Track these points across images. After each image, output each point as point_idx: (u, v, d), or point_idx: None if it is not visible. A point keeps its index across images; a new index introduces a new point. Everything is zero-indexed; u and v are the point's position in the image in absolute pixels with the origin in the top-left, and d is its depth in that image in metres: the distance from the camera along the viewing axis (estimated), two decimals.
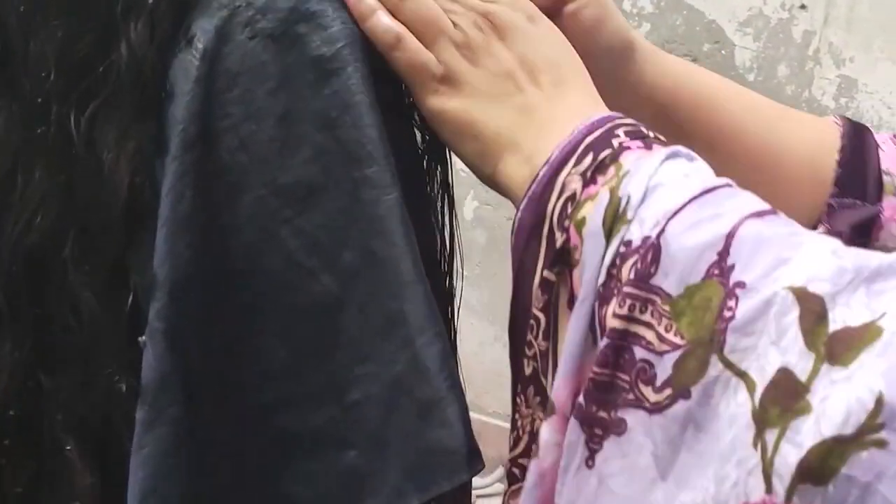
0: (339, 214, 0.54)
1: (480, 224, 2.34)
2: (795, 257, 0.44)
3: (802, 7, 1.97)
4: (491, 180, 0.60)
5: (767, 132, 0.68)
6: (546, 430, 0.52)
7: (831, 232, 0.65)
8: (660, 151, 0.52)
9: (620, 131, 0.54)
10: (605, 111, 0.57)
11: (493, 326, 2.35)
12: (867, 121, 1.97)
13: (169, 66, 0.53)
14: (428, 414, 0.54)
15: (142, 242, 0.54)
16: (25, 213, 0.54)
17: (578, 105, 0.57)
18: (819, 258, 0.44)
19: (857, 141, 0.68)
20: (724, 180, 0.51)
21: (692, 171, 0.51)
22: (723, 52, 2.04)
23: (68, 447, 0.55)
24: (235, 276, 0.54)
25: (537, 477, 0.52)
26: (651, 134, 0.54)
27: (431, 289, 0.56)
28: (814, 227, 0.66)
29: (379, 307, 0.54)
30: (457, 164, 2.05)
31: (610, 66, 0.65)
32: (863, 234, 0.66)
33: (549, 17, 0.61)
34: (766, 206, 0.49)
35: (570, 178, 0.53)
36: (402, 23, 0.57)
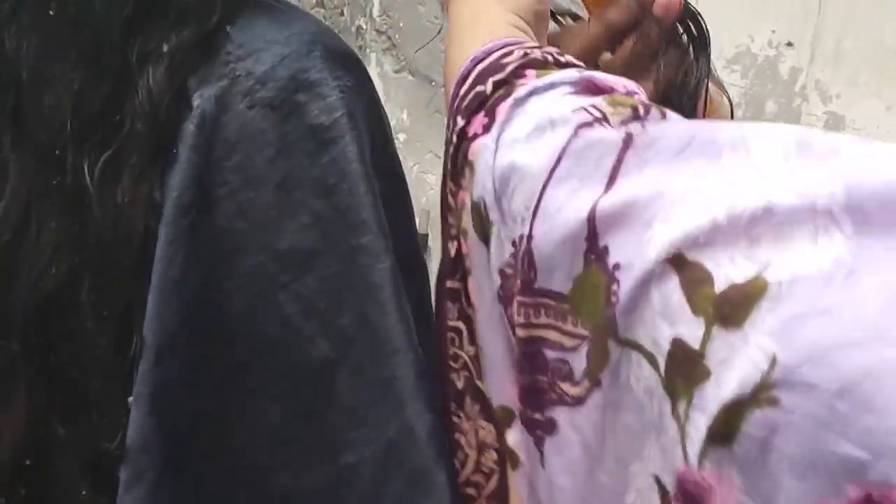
0: (336, 280, 0.55)
1: None
2: (660, 216, 0.43)
3: (789, 44, 2.00)
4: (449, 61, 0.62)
5: None
6: (514, 435, 0.52)
7: None
8: (496, 124, 0.53)
9: (489, 83, 0.54)
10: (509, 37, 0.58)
11: None
12: None
13: (175, 135, 0.54)
14: (418, 482, 0.55)
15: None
16: (40, 262, 0.54)
17: (497, 22, 0.59)
18: (686, 212, 0.43)
19: None
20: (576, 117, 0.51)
21: (532, 129, 0.51)
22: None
23: (84, 492, 0.55)
24: (229, 339, 0.55)
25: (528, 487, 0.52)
26: (550, 58, 0.55)
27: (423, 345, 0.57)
28: None
29: (372, 373, 0.55)
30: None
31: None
32: None
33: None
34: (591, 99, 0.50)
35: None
36: None
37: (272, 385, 0.55)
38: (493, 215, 0.50)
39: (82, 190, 0.54)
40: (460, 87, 0.55)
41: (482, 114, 0.53)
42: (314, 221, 0.55)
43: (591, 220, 0.46)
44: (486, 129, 0.52)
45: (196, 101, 0.54)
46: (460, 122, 0.54)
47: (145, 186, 0.54)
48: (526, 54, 0.54)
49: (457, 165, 0.54)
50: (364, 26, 2.35)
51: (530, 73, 0.53)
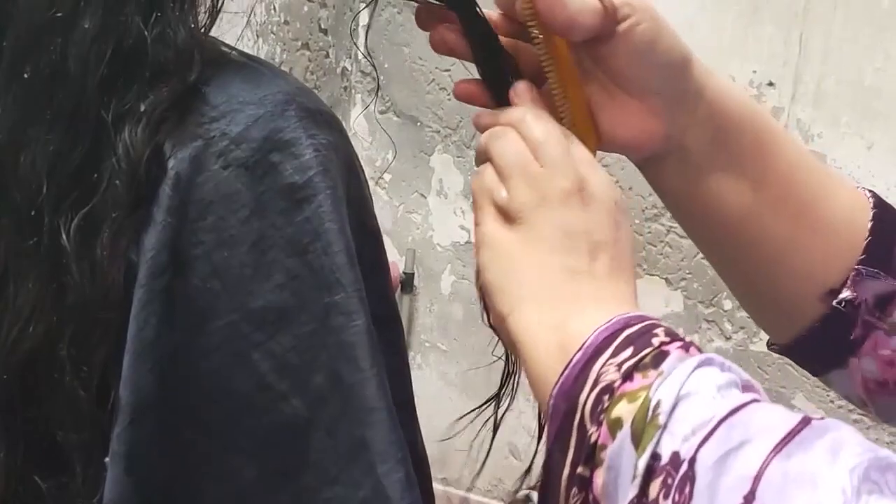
0: (310, 339, 0.55)
1: (457, 298, 2.35)
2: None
3: (770, 84, 2.02)
4: (499, 319, 0.59)
5: (817, 186, 0.69)
6: None
7: (856, 298, 0.66)
8: (694, 357, 0.52)
9: (660, 331, 0.53)
10: (643, 312, 0.56)
11: (472, 400, 2.34)
12: None
13: (152, 196, 0.55)
14: None
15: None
16: (19, 323, 0.55)
17: (624, 295, 0.57)
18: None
19: (887, 214, 0.69)
20: (751, 395, 0.51)
21: (724, 384, 0.51)
22: None
23: None
24: (203, 398, 0.55)
25: None
26: (688, 339, 0.54)
27: (399, 399, 0.58)
28: (840, 289, 0.67)
29: (346, 431, 0.55)
30: (435, 236, 2.06)
31: (669, 82, 0.64)
32: (881, 306, 0.67)
33: (600, 38, 0.62)
34: (793, 421, 0.49)
35: (606, 369, 0.52)
36: (489, 156, 0.59)
37: (247, 443, 0.56)
38: (661, 419, 0.49)
39: (60, 249, 0.54)
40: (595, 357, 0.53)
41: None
42: (288, 280, 0.55)
43: (757, 479, 0.46)
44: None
45: (171, 163, 0.54)
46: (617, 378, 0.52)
47: (123, 241, 0.54)
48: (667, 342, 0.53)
49: (637, 356, 0.52)
50: (349, 68, 2.36)
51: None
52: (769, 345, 0.74)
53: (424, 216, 2.35)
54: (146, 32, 0.55)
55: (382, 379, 0.56)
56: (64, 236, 0.54)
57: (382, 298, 0.61)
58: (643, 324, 0.53)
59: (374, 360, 0.56)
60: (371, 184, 2.38)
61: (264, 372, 0.55)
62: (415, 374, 2.51)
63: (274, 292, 0.55)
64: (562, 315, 0.55)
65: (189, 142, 0.55)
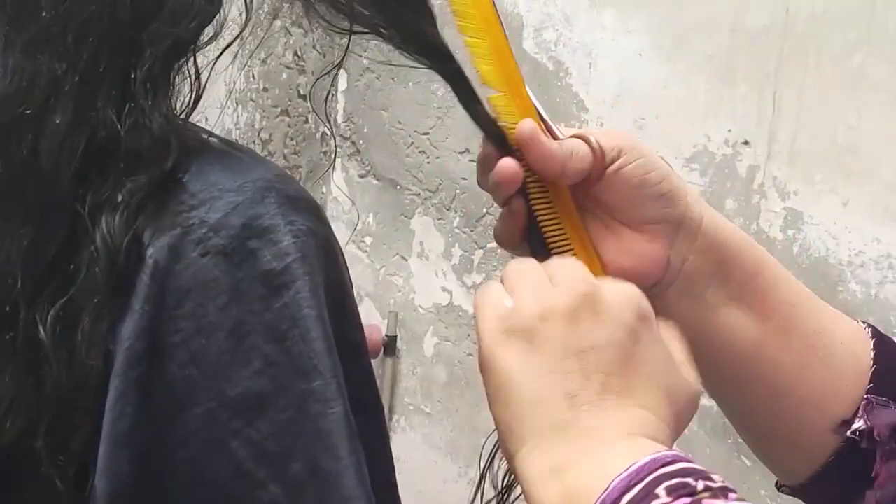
0: (288, 425, 0.55)
1: (441, 360, 2.34)
2: None
3: (746, 143, 2.04)
4: (508, 458, 0.56)
5: (819, 316, 0.69)
6: None
7: (871, 428, 0.66)
8: None
9: (662, 489, 0.48)
10: (653, 451, 0.51)
11: (457, 463, 2.33)
12: (814, 251, 2.02)
13: (131, 284, 0.55)
14: None
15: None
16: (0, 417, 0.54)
17: (637, 424, 0.53)
18: None
19: (886, 345, 0.69)
20: None
21: None
22: None
23: None
24: (181, 487, 0.55)
25: None
26: (699, 485, 0.49)
27: (381, 483, 0.58)
28: (852, 419, 0.67)
29: None
30: (417, 299, 2.06)
31: (665, 211, 0.65)
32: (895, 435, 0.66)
33: (591, 180, 0.63)
34: None
35: None
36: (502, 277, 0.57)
37: None
38: None
39: (37, 343, 0.54)
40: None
41: None
42: (266, 367, 0.55)
43: None
44: None
45: (150, 252, 0.54)
46: None
47: (102, 328, 0.54)
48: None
49: None
50: (328, 132, 2.38)
51: None
52: (779, 486, 0.72)
53: (406, 279, 2.35)
54: (119, 124, 0.55)
55: (361, 466, 0.56)
56: (41, 328, 0.53)
57: (363, 383, 0.61)
58: (643, 483, 0.49)
59: (352, 447, 0.56)
60: (352, 247, 2.38)
61: (242, 459, 0.55)
62: (399, 438, 2.50)
63: (252, 379, 0.55)
64: (563, 458, 0.52)
65: (168, 230, 0.55)
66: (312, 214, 0.58)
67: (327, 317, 0.56)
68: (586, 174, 0.63)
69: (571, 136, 0.66)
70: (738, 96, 2.03)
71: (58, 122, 0.54)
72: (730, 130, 2.04)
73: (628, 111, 2.10)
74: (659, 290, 0.65)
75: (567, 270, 0.58)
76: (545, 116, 0.67)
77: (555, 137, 0.66)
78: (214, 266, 0.54)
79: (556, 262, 0.60)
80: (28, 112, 0.54)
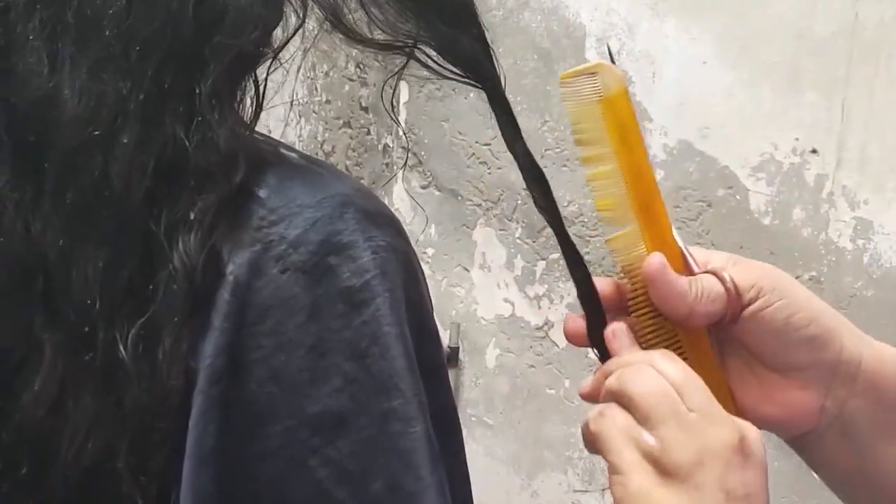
0: (368, 444, 0.54)
1: (503, 372, 2.33)
2: None
3: (814, 151, 2.00)
4: None
5: None
6: None
7: None
8: None
9: None
10: None
11: (519, 476, 2.31)
12: (885, 261, 1.98)
13: (210, 302, 0.54)
14: None
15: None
16: (78, 438, 0.54)
17: None
18: None
19: None
20: None
21: None
22: (737, 196, 2.07)
23: None
24: None
25: None
26: None
27: (459, 498, 0.57)
28: None
29: None
30: (479, 310, 2.05)
31: (815, 356, 0.60)
32: None
33: (725, 322, 0.58)
34: None
35: None
36: (624, 393, 0.54)
37: None
38: None
39: (117, 362, 0.54)
40: None
41: None
42: (346, 385, 0.54)
43: None
44: None
45: (229, 268, 0.54)
46: None
47: (182, 346, 0.54)
48: None
49: None
50: (390, 144, 2.39)
51: None
52: None
53: (468, 290, 2.35)
54: (187, 141, 0.55)
55: (443, 486, 0.55)
56: (121, 348, 0.53)
57: (445, 404, 0.60)
58: None
59: (433, 466, 0.55)
60: None
61: (321, 478, 0.54)
62: None
63: (332, 397, 0.54)
64: None
65: (248, 246, 0.55)
66: (393, 230, 0.58)
67: (408, 334, 0.56)
68: (719, 317, 0.58)
69: (706, 272, 0.60)
70: (805, 104, 1.99)
71: (125, 141, 0.54)
72: (797, 139, 2.00)
73: (692, 120, 2.08)
74: (812, 439, 0.60)
75: (697, 392, 0.54)
76: (682, 244, 0.61)
77: (690, 272, 0.60)
78: (294, 283, 0.54)
79: (677, 374, 0.54)
80: (96, 133, 0.54)
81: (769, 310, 0.59)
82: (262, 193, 0.56)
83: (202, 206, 0.54)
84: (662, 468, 0.52)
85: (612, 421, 0.55)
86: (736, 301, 0.58)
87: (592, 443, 0.57)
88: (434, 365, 0.59)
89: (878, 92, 1.93)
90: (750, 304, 0.59)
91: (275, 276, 0.54)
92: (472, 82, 0.63)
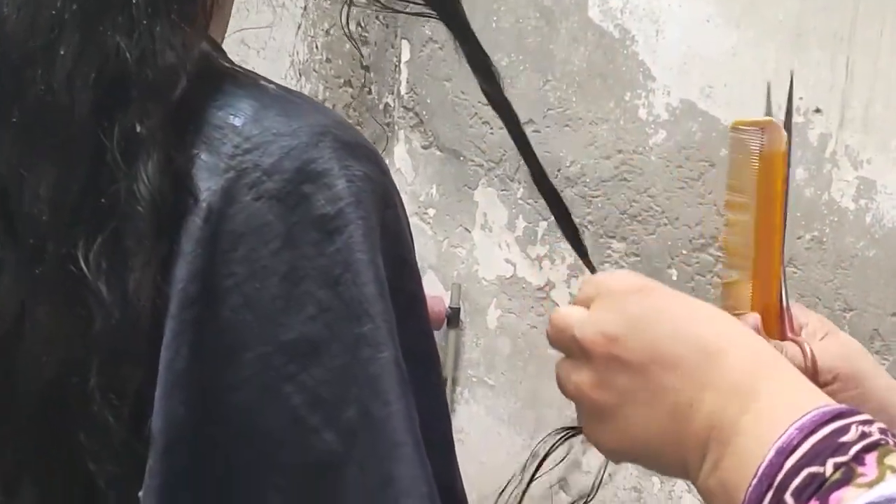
0: (342, 371, 0.55)
1: (504, 332, 2.33)
2: None
3: (817, 111, 1.99)
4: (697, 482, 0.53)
5: None
6: None
7: None
8: None
9: (829, 465, 0.46)
10: (806, 398, 0.49)
11: (520, 436, 2.32)
12: (888, 221, 1.97)
13: (179, 226, 0.54)
14: None
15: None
16: (35, 351, 0.54)
17: (735, 383, 0.50)
18: None
19: None
20: None
21: None
22: None
23: None
24: (234, 432, 0.55)
25: None
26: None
27: (436, 438, 0.57)
28: None
29: (374, 467, 0.55)
30: (480, 270, 2.05)
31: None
32: None
33: None
34: None
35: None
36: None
37: (279, 478, 0.55)
38: None
39: (77, 278, 0.54)
40: (785, 458, 0.47)
41: (816, 500, 0.47)
42: (320, 313, 0.54)
43: None
44: None
45: (203, 195, 0.54)
46: (790, 501, 0.46)
47: (151, 270, 0.54)
48: (864, 434, 0.47)
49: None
50: (391, 104, 2.37)
51: (870, 458, 0.46)
52: None
53: (469, 250, 2.35)
54: (128, 53, 0.54)
55: (410, 412, 0.55)
56: (82, 264, 0.53)
57: (420, 336, 0.60)
58: (824, 432, 0.47)
59: (401, 392, 0.55)
60: (415, 219, 2.38)
61: (295, 405, 0.54)
62: (462, 410, 2.51)
63: (306, 324, 0.54)
64: (696, 459, 0.51)
65: (222, 173, 0.55)
66: (370, 161, 0.58)
67: (381, 262, 0.56)
68: None
69: (794, 339, 0.60)
70: (809, 63, 1.98)
71: (63, 53, 0.53)
72: (801, 98, 1.99)
73: (695, 79, 2.07)
74: None
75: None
76: (785, 303, 0.62)
77: (783, 333, 0.60)
78: (268, 210, 0.54)
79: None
80: (36, 46, 0.54)
81: (842, 395, 0.60)
82: (238, 122, 0.56)
83: (150, 121, 0.54)
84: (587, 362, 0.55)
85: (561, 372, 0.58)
86: (811, 377, 0.58)
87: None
88: (412, 298, 0.59)
89: (883, 51, 1.92)
90: (824, 385, 0.59)
91: (248, 203, 0.54)
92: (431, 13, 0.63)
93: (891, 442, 0.47)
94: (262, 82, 0.60)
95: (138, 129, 0.54)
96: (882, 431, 0.48)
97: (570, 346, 0.57)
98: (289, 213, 0.54)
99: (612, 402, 0.54)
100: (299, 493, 0.55)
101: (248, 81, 0.59)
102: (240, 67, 0.60)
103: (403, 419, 0.55)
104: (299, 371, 0.54)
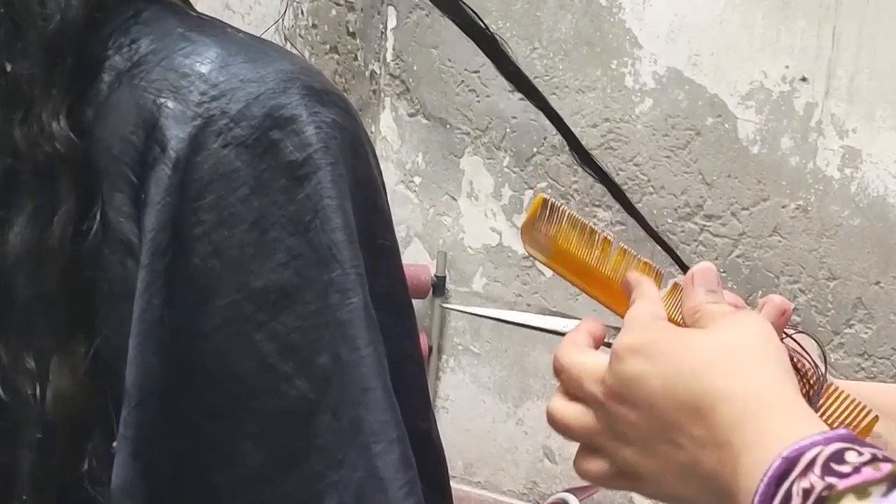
0: (313, 318, 0.54)
1: (490, 300, 2.34)
2: None
3: (803, 79, 1.99)
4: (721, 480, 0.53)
5: None
6: None
7: None
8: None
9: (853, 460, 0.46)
10: (802, 431, 0.48)
11: (506, 403, 2.34)
12: (873, 191, 1.98)
13: (147, 177, 0.54)
14: None
15: (119, 321, 0.55)
16: None
17: (727, 438, 0.51)
18: None
19: None
20: None
21: None
22: (725, 125, 2.06)
23: None
24: (207, 381, 0.55)
25: None
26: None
27: (410, 384, 0.57)
28: None
29: (345, 413, 0.55)
30: (466, 239, 2.05)
31: None
32: None
33: None
34: None
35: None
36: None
37: (252, 427, 0.55)
38: None
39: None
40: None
41: None
42: (290, 260, 0.54)
43: None
44: None
45: (171, 143, 0.54)
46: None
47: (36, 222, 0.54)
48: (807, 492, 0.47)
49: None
50: (378, 71, 2.36)
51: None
52: None
53: (455, 218, 2.35)
54: None
55: (380, 357, 0.55)
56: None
57: (393, 283, 0.60)
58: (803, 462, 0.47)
59: (371, 338, 0.55)
60: (401, 187, 2.37)
61: (267, 353, 0.54)
62: (447, 378, 2.52)
63: (276, 272, 0.54)
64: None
65: (189, 121, 0.54)
66: (339, 108, 0.57)
67: (350, 208, 0.55)
68: None
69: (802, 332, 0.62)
70: (796, 31, 1.97)
71: None
72: (787, 66, 1.99)
73: (682, 47, 2.06)
74: None
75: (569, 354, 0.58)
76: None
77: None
78: (236, 157, 0.54)
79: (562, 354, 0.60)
80: None
81: None
82: (204, 69, 0.55)
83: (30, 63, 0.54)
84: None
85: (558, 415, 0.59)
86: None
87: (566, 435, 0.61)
88: (384, 244, 0.59)
89: (868, 19, 1.92)
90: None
91: (216, 150, 0.54)
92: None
93: (839, 485, 0.46)
94: (229, 30, 0.59)
95: (18, 71, 0.54)
96: (829, 472, 0.47)
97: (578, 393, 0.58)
98: (257, 160, 0.54)
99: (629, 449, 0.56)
100: (273, 440, 0.55)
101: (214, 29, 0.59)
102: (206, 16, 0.60)
103: (373, 365, 0.55)
104: (270, 318, 0.54)
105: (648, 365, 0.54)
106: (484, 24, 0.64)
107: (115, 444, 0.54)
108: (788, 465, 0.47)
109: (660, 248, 0.64)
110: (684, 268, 0.65)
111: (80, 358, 0.55)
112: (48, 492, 0.55)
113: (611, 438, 0.56)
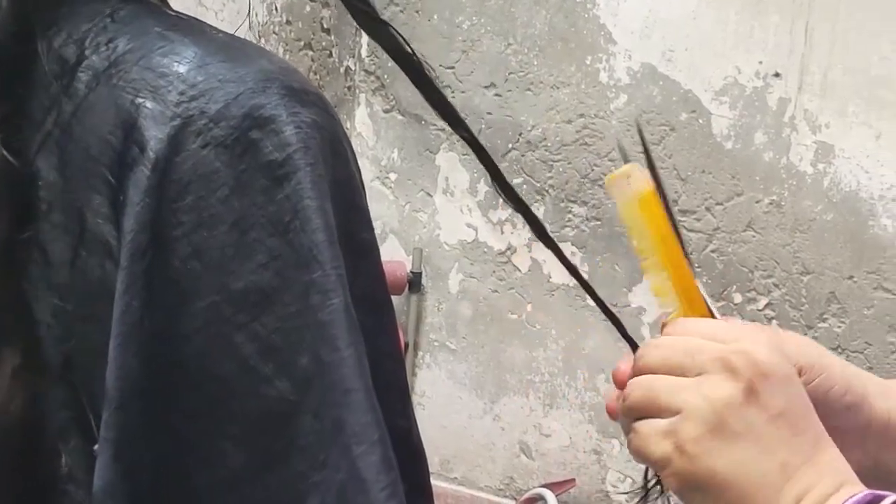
0: (293, 319, 0.54)
1: (466, 297, 2.34)
2: None
3: (777, 75, 2.00)
4: None
5: None
6: None
7: None
8: None
9: None
10: (860, 487, 0.56)
11: (482, 399, 2.34)
12: (845, 185, 2.00)
13: (125, 178, 0.54)
14: None
15: (87, 335, 0.55)
16: None
17: (837, 469, 0.58)
18: None
19: None
20: None
21: None
22: (700, 121, 2.07)
23: None
24: (187, 383, 0.55)
25: None
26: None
27: (390, 382, 0.57)
28: None
29: (327, 413, 0.55)
30: (442, 235, 2.06)
31: (850, 424, 0.66)
32: None
33: None
34: None
35: None
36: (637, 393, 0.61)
37: (233, 429, 0.55)
38: None
39: None
40: None
41: None
42: (270, 261, 0.54)
43: None
44: None
45: (150, 144, 0.54)
46: None
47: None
48: None
49: None
50: (353, 67, 2.36)
51: None
52: None
53: (431, 215, 2.35)
54: None
55: (361, 358, 0.55)
56: None
57: (373, 282, 0.60)
58: None
59: (352, 339, 0.55)
60: (377, 183, 2.37)
61: (248, 354, 0.54)
62: (424, 374, 2.52)
63: (256, 273, 0.54)
64: None
65: (168, 122, 0.54)
66: (318, 108, 0.57)
67: (330, 208, 0.55)
68: None
69: None
70: (769, 27, 1.99)
71: None
72: (760, 62, 2.00)
73: (657, 43, 2.07)
74: None
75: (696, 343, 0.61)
76: (718, 318, 0.68)
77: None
78: (215, 158, 0.54)
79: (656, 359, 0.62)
80: None
81: (810, 386, 0.64)
82: (182, 69, 0.55)
83: None
84: (687, 440, 0.59)
85: (639, 432, 0.61)
86: None
87: (639, 459, 0.63)
88: (365, 243, 0.59)
89: (841, 15, 1.93)
90: None
91: (195, 150, 0.54)
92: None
93: None
94: (208, 29, 0.59)
95: None
96: None
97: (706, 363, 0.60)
98: (236, 160, 0.54)
99: (760, 420, 0.59)
100: (254, 442, 0.55)
101: (192, 29, 0.58)
102: (184, 14, 0.60)
103: (354, 366, 0.55)
104: (250, 320, 0.54)
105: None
106: (411, 48, 0.64)
107: (96, 446, 0.54)
108: (875, 497, 0.53)
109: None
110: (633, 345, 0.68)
111: (13, 371, 0.55)
112: (4, 496, 0.55)
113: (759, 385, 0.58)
